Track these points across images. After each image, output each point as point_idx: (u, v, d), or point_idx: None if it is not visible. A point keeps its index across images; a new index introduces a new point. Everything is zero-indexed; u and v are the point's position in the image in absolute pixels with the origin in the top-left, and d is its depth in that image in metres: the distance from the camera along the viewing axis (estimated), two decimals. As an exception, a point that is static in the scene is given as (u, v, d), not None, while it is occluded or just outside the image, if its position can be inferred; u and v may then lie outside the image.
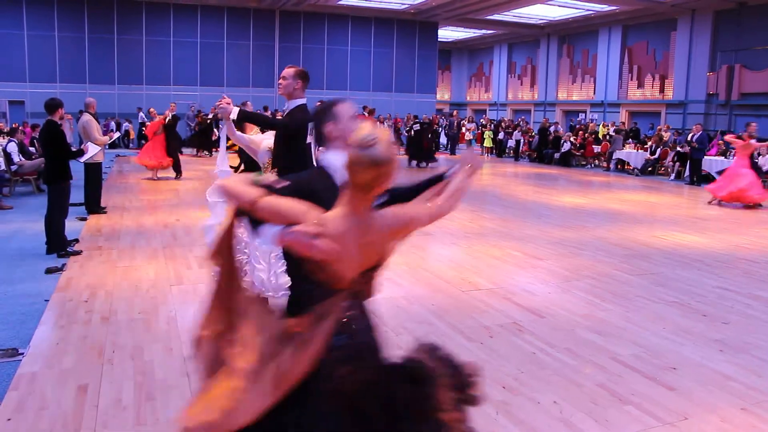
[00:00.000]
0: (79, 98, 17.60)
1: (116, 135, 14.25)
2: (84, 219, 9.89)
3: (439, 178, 2.73)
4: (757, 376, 4.53)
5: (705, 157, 17.86)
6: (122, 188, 13.75)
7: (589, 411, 3.91)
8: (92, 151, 8.92)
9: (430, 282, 6.79)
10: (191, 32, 26.42)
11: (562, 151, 22.61)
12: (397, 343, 4.92)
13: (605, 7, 24.91)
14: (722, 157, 17.92)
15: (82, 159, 8.75)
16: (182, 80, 26.43)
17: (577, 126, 25.19)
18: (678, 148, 18.96)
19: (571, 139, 22.94)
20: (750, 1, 21.31)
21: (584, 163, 22.67)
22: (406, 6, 26.86)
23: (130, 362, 4.45)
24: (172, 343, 4.83)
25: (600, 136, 23.00)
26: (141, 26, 25.71)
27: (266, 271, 4.99)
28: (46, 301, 5.80)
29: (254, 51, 27.45)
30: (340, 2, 26.02)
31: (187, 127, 24.99)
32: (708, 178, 17.56)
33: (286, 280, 3.13)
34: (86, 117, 10.24)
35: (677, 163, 18.80)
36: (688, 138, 18.08)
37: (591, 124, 24.51)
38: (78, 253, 7.62)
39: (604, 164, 21.79)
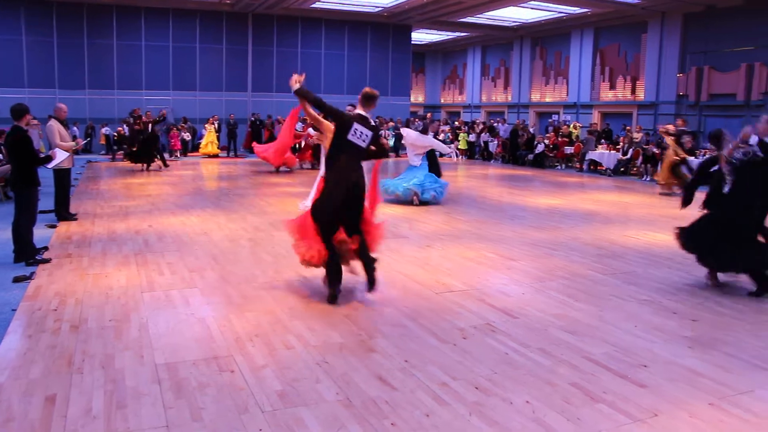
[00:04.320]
0: (49, 103, 17.36)
1: (83, 142, 14.04)
2: (54, 226, 9.75)
3: None
4: (726, 371, 4.60)
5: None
6: (93, 194, 13.58)
7: (562, 410, 3.94)
8: (60, 157, 8.79)
9: (404, 284, 6.80)
10: (163, 36, 26.17)
11: (536, 152, 22.78)
12: (369, 347, 4.93)
13: (577, 10, 25.13)
14: (692, 157, 18.14)
15: (50, 165, 8.62)
16: (154, 85, 26.18)
17: (557, 125, 25.39)
18: (648, 148, 19.15)
19: (545, 140, 23.13)
20: (718, 4, 21.65)
21: (557, 164, 22.86)
22: (380, 9, 26.88)
23: (101, 371, 4.39)
24: (143, 350, 4.78)
25: (573, 137, 23.17)
26: (111, 30, 25.41)
27: None
28: (13, 310, 5.71)
29: (227, 55, 27.27)
30: (313, 6, 25.97)
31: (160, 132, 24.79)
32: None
33: None
34: (50, 122, 10.09)
35: (648, 164, 19.01)
36: (659, 139, 18.31)
37: (564, 126, 24.71)
38: (47, 261, 7.51)
39: (578, 165, 21.99)
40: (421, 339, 5.14)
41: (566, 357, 4.80)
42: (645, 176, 18.99)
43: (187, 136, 25.15)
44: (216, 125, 24.59)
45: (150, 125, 18.99)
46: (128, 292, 6.32)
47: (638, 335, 5.31)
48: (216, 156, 24.11)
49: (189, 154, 24.44)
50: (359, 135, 5.98)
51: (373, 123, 6.23)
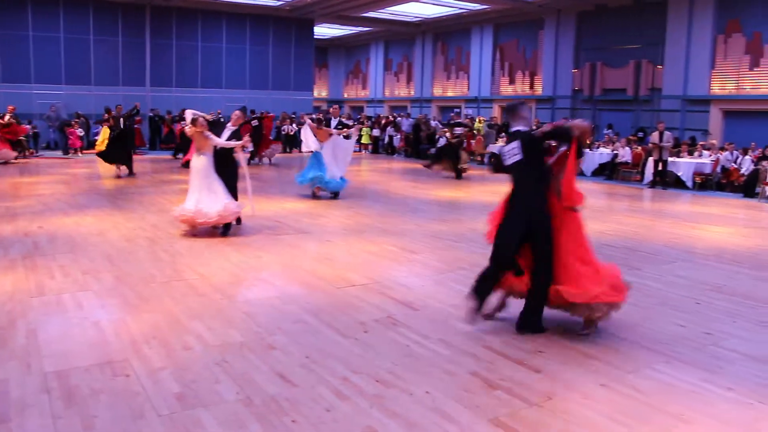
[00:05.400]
0: None
1: None
2: (-68, 229, 9.13)
3: None
4: (615, 351, 4.84)
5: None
6: (-23, 195, 12.79)
7: (460, 398, 4.02)
8: None
9: (305, 280, 6.76)
10: (53, 27, 24.89)
11: (438, 146, 23.11)
12: (269, 344, 4.87)
13: (477, 6, 25.68)
14: (587, 149, 18.95)
15: None
16: (44, 78, 24.86)
17: (462, 120, 25.76)
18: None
19: (447, 134, 23.50)
20: (609, 3, 22.66)
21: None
22: (282, 3, 26.59)
23: (-18, 382, 4.14)
24: (30, 358, 4.53)
25: (480, 131, 23.53)
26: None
27: None
28: None
29: (123, 47, 26.26)
30: (213, -2, 25.45)
31: (49, 129, 23.61)
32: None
33: None
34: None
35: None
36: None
37: (467, 120, 25.22)
38: (-76, 266, 7.03)
39: (479, 158, 22.49)
40: (322, 334, 5.13)
41: (466, 347, 4.91)
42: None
43: (80, 132, 24.06)
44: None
45: (122, 120, 16.61)
46: (15, 298, 5.98)
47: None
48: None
49: (83, 152, 23.38)
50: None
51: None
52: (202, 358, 4.59)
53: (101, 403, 3.88)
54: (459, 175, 17.61)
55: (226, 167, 9.07)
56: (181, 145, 19.78)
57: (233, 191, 9.15)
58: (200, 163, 8.83)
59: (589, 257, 5.16)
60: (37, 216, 10.35)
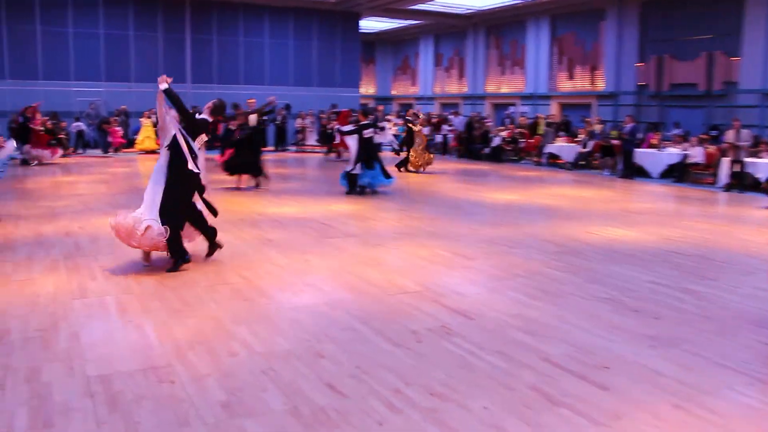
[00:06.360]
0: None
1: (11, 145, 13.30)
2: (-27, 229, 9.46)
3: None
4: (688, 370, 4.72)
5: (637, 149, 18.51)
6: (18, 194, 13.21)
7: (521, 415, 3.98)
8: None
9: (354, 286, 6.79)
10: (92, 23, 25.58)
11: (492, 145, 23.01)
12: (318, 352, 4.90)
13: (532, -3, 25.52)
14: (655, 150, 18.59)
15: None
16: (84, 75, 25.55)
17: (514, 115, 25.62)
18: (612, 141, 19.45)
19: (502, 133, 23.38)
20: (676, -9, 22.23)
21: (516, 158, 23.11)
22: (327, -5, 26.86)
23: (25, 386, 4.26)
24: (73, 362, 4.66)
25: (539, 130, 23.24)
26: (34, 15, 24.72)
27: None
28: (-72, 321, 5.51)
29: (164, 44, 26.82)
30: (255, -9, 25.80)
31: (89, 127, 24.21)
32: (641, 172, 18.21)
33: None
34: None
35: (608, 157, 19.37)
36: (621, 130, 18.69)
37: (521, 118, 25.03)
38: (-34, 267, 7.28)
39: (536, 158, 22.28)
40: (373, 343, 5.14)
41: (524, 359, 4.86)
42: (604, 169, 19.36)
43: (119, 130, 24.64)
44: (153, 119, 24.14)
45: (256, 117, 14.21)
46: (57, 300, 6.16)
47: (599, 335, 5.41)
48: (154, 152, 23.70)
49: (123, 150, 23.92)
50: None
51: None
52: (248, 365, 4.64)
53: (145, 409, 3.96)
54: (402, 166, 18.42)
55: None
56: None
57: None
58: None
59: None
60: (77, 216, 10.64)
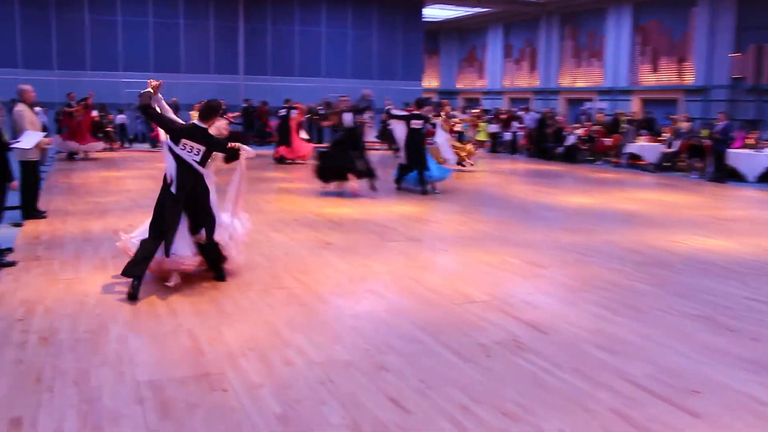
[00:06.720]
0: (11, 85, 17.14)
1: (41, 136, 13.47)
2: (19, 225, 9.78)
3: None
4: (790, 397, 4.58)
5: (730, 149, 17.95)
6: (65, 189, 13.64)
7: (601, 439, 3.92)
8: (28, 140, 8.96)
9: (417, 293, 6.80)
10: (142, 11, 26.24)
11: (566, 144, 22.72)
12: (380, 364, 4.92)
13: (614, -18, 25.17)
14: (751, 150, 17.99)
15: (19, 145, 8.78)
16: (133, 65, 26.23)
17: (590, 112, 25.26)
18: (704, 141, 18.93)
19: (578, 131, 23.06)
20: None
21: (592, 158, 22.75)
22: (389, -19, 26.99)
23: (74, 389, 4.39)
24: (123, 365, 4.78)
25: (620, 129, 22.85)
26: (83, 3, 25.47)
27: None
28: (-25, 319, 5.73)
29: (215, 33, 27.33)
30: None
31: (136, 120, 24.80)
32: (734, 174, 17.69)
33: None
34: (19, 107, 10.13)
35: (696, 158, 18.91)
36: (713, 128, 18.20)
37: (599, 115, 24.67)
38: (12, 264, 7.53)
39: (615, 159, 21.93)
40: (439, 356, 5.13)
41: (604, 379, 4.78)
42: (692, 172, 18.90)
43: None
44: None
45: (352, 115, 13.73)
46: (105, 300, 6.34)
47: (688, 355, 5.28)
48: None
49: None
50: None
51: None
52: (305, 375, 4.69)
53: (197, 417, 4.03)
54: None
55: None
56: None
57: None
58: None
59: None
60: (126, 213, 10.92)
